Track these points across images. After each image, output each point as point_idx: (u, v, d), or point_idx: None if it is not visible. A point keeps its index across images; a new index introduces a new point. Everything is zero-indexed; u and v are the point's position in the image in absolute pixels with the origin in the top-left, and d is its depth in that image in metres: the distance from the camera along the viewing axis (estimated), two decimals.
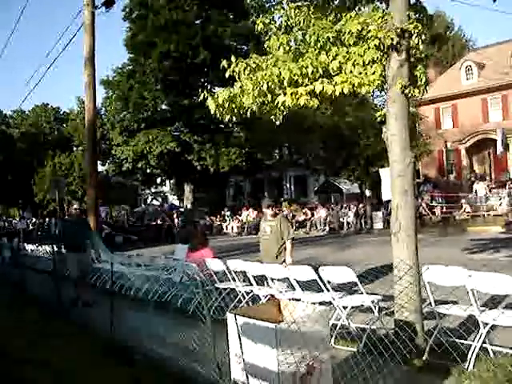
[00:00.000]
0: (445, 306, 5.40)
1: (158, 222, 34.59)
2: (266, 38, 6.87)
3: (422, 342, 5.36)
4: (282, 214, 8.78)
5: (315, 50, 6.05)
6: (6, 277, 15.71)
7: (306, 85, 5.96)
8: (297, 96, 5.99)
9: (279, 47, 6.56)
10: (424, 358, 5.10)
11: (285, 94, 6.07)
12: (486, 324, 4.90)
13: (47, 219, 46.17)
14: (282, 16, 6.73)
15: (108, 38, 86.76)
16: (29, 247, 18.95)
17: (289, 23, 6.61)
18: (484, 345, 4.95)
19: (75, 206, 11.53)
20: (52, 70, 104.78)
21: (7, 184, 57.03)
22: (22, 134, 65.18)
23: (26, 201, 56.41)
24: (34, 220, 50.38)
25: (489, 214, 25.05)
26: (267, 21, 6.87)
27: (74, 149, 60.83)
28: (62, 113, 72.36)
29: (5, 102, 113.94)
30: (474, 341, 4.98)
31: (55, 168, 49.33)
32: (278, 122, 6.74)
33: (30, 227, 45.17)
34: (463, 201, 26.59)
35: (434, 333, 5.32)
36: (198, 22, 37.28)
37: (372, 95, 28.72)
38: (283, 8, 6.68)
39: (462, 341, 5.11)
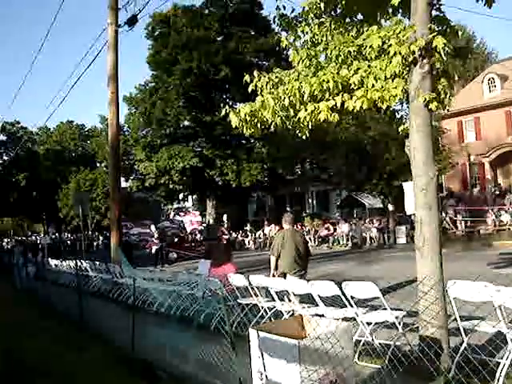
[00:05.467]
0: (471, 322, 5.28)
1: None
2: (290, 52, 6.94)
3: (448, 358, 5.25)
4: (279, 230, 9.15)
5: (336, 64, 6.05)
6: (30, 291, 15.90)
7: (327, 99, 5.94)
8: (318, 111, 5.98)
9: (299, 62, 6.59)
10: (451, 375, 4.98)
11: (306, 110, 6.07)
12: None
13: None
14: (306, 33, 6.77)
15: (131, 55, 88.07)
16: (53, 262, 19.14)
17: (314, 40, 6.63)
18: None
19: None
20: (77, 88, 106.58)
21: (32, 200, 58.00)
22: (47, 151, 66.35)
23: (50, 216, 57.21)
24: (69, 236, 50.61)
25: None
26: (292, 38, 6.93)
27: (98, 165, 61.69)
28: (86, 130, 73.54)
29: (30, 119, 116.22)
30: (502, 358, 4.86)
31: (79, 184, 50.01)
32: (304, 137, 6.73)
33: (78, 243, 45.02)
34: (488, 214, 26.17)
35: (461, 349, 5.21)
36: (219, 38, 37.71)
37: (395, 109, 28.54)
38: (308, 24, 6.71)
39: (490, 358, 4.99)
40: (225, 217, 38.40)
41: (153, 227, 35.55)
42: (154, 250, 26.57)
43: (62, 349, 7.89)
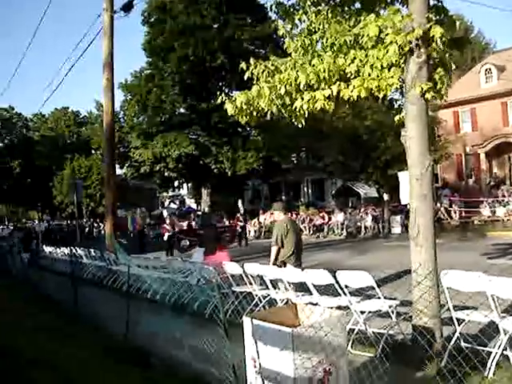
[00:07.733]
0: (464, 311, 5.31)
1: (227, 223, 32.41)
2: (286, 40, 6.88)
3: (440, 347, 5.28)
4: (277, 219, 8.87)
5: (333, 53, 6.02)
6: (24, 277, 15.90)
7: (323, 88, 5.92)
8: (314, 100, 5.96)
9: (295, 51, 6.55)
10: (443, 364, 5.02)
11: (302, 98, 6.05)
12: (507, 331, 4.81)
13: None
14: (303, 21, 6.71)
15: (127, 41, 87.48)
16: (47, 249, 19.14)
17: (310, 28, 6.59)
18: (505, 352, 4.86)
19: None
20: (72, 74, 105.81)
21: (27, 187, 57.81)
22: (41, 137, 66.01)
23: (45, 203, 57.02)
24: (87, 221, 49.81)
25: (508, 219, 24.70)
26: (289, 27, 6.87)
27: (93, 152, 61.47)
28: (81, 116, 73.19)
29: (25, 105, 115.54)
30: (494, 348, 4.89)
31: (74, 171, 49.84)
32: (300, 126, 6.68)
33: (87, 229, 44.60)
34: (482, 205, 26.27)
35: (453, 339, 5.24)
36: (215, 25, 37.43)
37: (392, 98, 28.44)
38: (305, 13, 6.66)
39: (482, 347, 5.03)
40: (239, 203, 37.57)
41: (165, 212, 34.69)
42: (166, 237, 25.97)
43: (51, 336, 7.89)
